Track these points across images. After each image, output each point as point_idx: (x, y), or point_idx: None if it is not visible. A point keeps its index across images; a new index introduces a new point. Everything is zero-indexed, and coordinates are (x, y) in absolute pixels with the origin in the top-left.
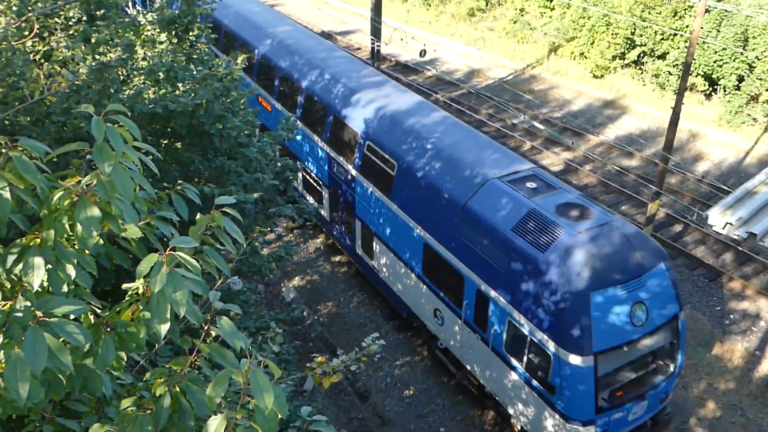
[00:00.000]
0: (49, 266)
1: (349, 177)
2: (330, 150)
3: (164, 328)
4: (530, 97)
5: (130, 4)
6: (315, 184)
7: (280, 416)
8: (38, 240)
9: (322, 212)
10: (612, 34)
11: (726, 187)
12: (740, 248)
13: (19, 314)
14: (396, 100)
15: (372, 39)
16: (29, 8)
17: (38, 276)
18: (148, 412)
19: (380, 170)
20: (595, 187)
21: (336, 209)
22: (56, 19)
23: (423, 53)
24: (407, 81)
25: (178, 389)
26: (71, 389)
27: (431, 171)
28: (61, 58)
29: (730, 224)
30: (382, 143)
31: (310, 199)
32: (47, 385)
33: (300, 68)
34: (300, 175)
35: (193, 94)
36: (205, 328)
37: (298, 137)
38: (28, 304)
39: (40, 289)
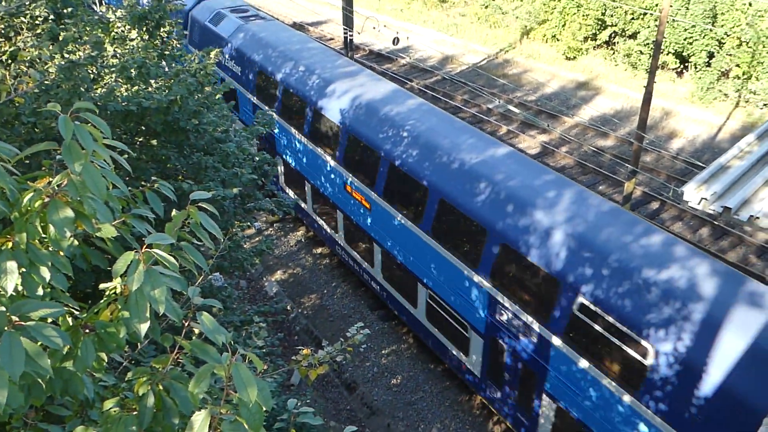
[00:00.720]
0: (23, 269)
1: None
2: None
3: (144, 327)
4: (504, 82)
5: (98, 1)
6: None
7: (265, 409)
8: (10, 243)
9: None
10: (583, 16)
11: (700, 163)
12: (716, 223)
13: None
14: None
15: (345, 29)
16: None
17: (12, 280)
18: (133, 413)
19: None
20: (572, 169)
21: None
22: (22, 18)
23: (396, 41)
24: (381, 70)
25: (161, 387)
26: (52, 393)
27: None
28: (28, 58)
29: (705, 199)
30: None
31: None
32: (27, 390)
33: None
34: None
35: (166, 90)
36: (186, 324)
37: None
38: (3, 308)
39: (14, 293)
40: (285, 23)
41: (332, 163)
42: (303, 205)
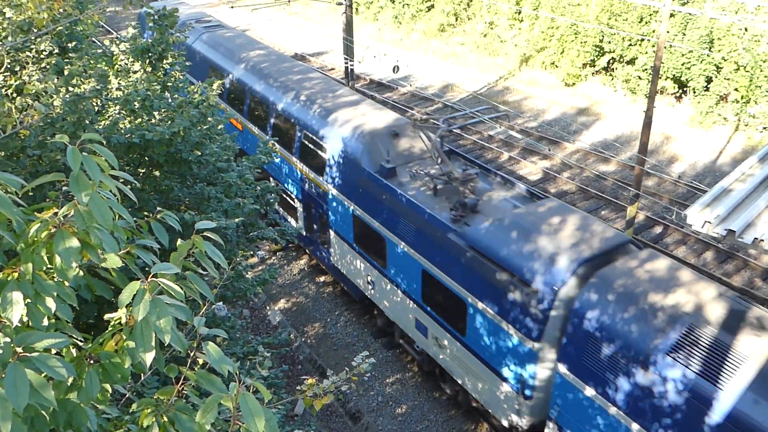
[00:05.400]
0: (28, 300)
1: None
2: None
3: (149, 357)
4: (505, 108)
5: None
6: None
7: None
8: (16, 274)
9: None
10: (581, 43)
11: (702, 186)
12: (720, 246)
13: None
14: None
15: (345, 58)
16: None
17: (17, 311)
18: None
19: None
20: (574, 194)
21: None
22: (27, 53)
23: (396, 69)
24: (382, 98)
25: (166, 419)
26: (55, 426)
27: None
28: (33, 91)
29: (709, 222)
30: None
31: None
32: (30, 422)
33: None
34: None
35: (169, 122)
36: (192, 355)
37: None
38: (8, 339)
39: (19, 324)
40: (285, 54)
41: None
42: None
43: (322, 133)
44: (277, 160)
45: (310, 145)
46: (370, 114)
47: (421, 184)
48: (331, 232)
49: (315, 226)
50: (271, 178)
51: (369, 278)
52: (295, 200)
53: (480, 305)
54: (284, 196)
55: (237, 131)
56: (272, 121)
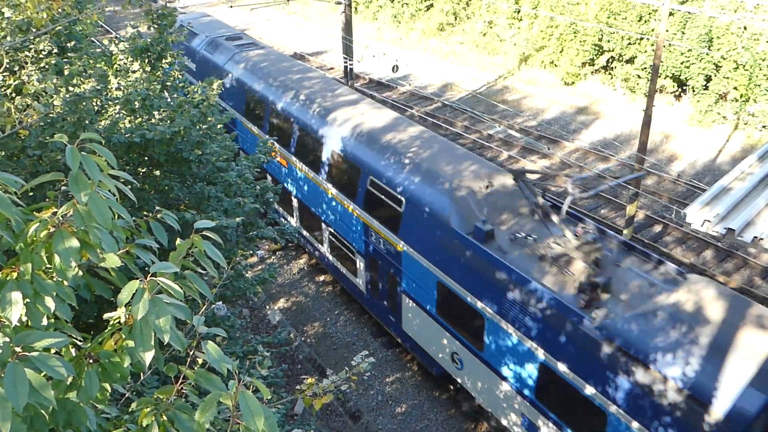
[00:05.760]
0: (27, 300)
1: None
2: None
3: (149, 356)
4: (504, 107)
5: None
6: None
7: None
8: (15, 274)
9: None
10: (580, 42)
11: (702, 185)
12: (720, 245)
13: None
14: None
15: (344, 58)
16: None
17: (16, 311)
18: None
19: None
20: None
21: None
22: (26, 53)
23: (395, 68)
24: (382, 98)
25: (165, 418)
26: (55, 425)
27: None
28: (32, 91)
29: (708, 221)
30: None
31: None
32: (30, 421)
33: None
34: None
35: (169, 122)
36: (191, 354)
37: None
38: (7, 339)
39: (18, 324)
40: (285, 53)
41: None
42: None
43: (397, 183)
44: (334, 205)
45: (378, 194)
46: (456, 162)
47: (529, 252)
48: (405, 297)
49: (381, 286)
50: (323, 224)
51: (455, 355)
52: (356, 254)
53: (629, 420)
54: (336, 240)
55: (278, 166)
56: (328, 161)
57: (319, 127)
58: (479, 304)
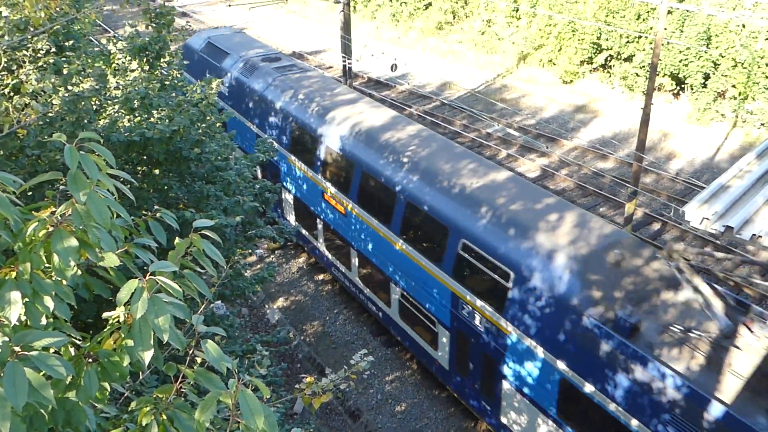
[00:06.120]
0: (26, 299)
1: None
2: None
3: (148, 355)
4: (503, 106)
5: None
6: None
7: None
8: (14, 273)
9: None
10: (578, 40)
11: (701, 183)
12: (719, 242)
13: None
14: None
15: (343, 56)
16: None
17: (15, 310)
18: None
19: None
20: (572, 191)
21: None
22: (24, 52)
23: (394, 67)
24: (380, 96)
25: (165, 417)
26: (54, 425)
27: None
28: (31, 90)
29: (707, 219)
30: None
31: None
32: (29, 421)
33: None
34: None
35: (168, 121)
36: (190, 353)
37: None
38: (6, 339)
39: (18, 323)
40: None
41: None
42: None
43: (501, 249)
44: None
45: (474, 262)
46: (574, 221)
47: (689, 353)
48: (509, 387)
49: (472, 367)
50: (392, 283)
51: None
52: (438, 324)
53: None
54: (408, 304)
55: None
56: (401, 214)
57: (393, 176)
58: (634, 423)
